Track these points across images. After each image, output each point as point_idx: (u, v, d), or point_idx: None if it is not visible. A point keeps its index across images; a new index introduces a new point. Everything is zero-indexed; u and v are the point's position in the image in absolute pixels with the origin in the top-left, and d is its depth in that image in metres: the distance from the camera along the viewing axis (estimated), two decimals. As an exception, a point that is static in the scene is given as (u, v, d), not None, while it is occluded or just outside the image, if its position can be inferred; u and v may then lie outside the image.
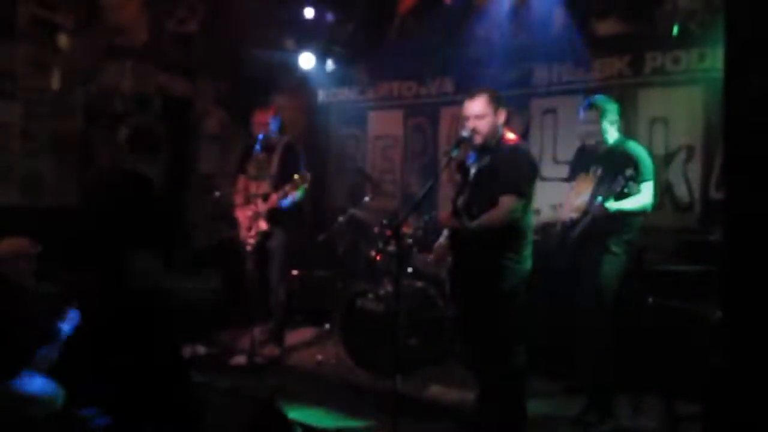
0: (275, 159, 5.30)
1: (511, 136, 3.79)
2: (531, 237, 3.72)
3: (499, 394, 3.72)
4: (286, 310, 5.50)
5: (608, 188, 3.88)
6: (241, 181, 5.45)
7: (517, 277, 3.65)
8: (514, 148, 3.74)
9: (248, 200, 5.34)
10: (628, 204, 3.89)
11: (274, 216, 5.20)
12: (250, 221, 5.24)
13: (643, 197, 3.95)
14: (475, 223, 3.59)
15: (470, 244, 3.65)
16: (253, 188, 5.33)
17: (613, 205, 3.84)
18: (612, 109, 4.13)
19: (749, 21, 2.17)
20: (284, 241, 5.30)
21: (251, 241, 5.21)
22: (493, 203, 3.57)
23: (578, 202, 4.10)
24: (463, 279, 3.80)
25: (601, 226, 3.94)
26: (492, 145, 3.70)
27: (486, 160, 3.70)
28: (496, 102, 3.71)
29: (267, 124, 5.32)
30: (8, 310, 3.65)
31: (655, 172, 4.13)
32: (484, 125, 3.68)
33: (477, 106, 3.69)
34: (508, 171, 3.61)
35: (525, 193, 3.60)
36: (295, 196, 5.10)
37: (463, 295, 3.85)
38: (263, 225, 5.20)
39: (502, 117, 3.73)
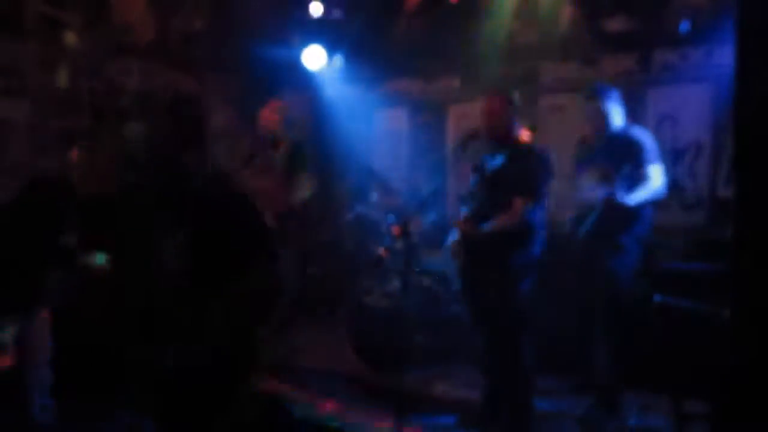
0: (282, 157, 5.31)
1: (525, 136, 3.79)
2: (542, 234, 3.71)
3: (506, 391, 3.71)
4: (293, 307, 5.53)
5: (612, 183, 3.83)
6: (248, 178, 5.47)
7: (526, 273, 3.65)
8: (529, 149, 3.74)
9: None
10: (641, 194, 3.83)
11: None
12: None
13: (653, 182, 3.86)
14: (487, 228, 3.59)
15: (481, 242, 3.65)
16: (261, 186, 5.36)
17: (626, 199, 3.78)
18: (614, 95, 4.07)
19: (760, 17, 2.15)
20: (294, 240, 5.35)
21: None
22: (506, 204, 3.56)
23: (584, 197, 4.07)
24: (473, 276, 3.80)
25: (611, 221, 3.90)
26: (507, 146, 3.70)
27: (500, 160, 3.69)
28: (510, 102, 3.71)
29: (274, 121, 5.33)
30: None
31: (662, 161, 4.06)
32: (496, 125, 3.68)
33: (490, 106, 3.69)
34: (522, 172, 3.62)
35: (538, 195, 3.61)
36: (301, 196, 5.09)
37: (473, 291, 3.85)
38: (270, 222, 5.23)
39: (515, 117, 3.73)
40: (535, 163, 3.66)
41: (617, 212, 3.83)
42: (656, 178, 3.88)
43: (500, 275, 3.61)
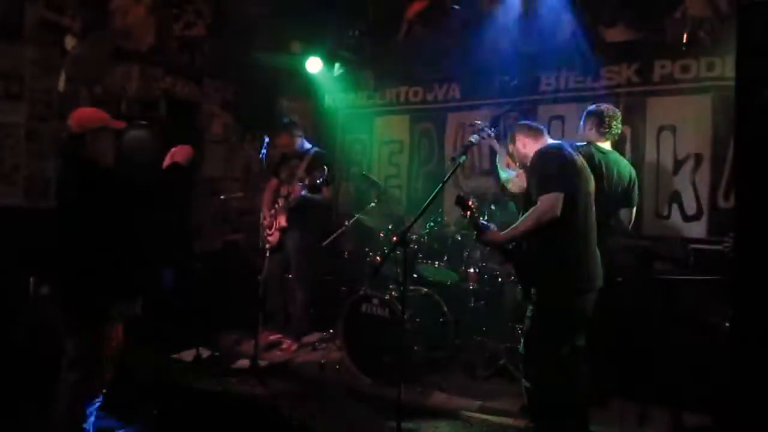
0: (303, 165, 5.48)
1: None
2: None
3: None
4: (306, 307, 5.60)
5: None
6: (273, 182, 5.74)
7: None
8: (535, 156, 3.66)
9: (275, 200, 5.62)
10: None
11: (292, 215, 5.41)
12: (272, 219, 5.48)
13: None
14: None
15: None
16: (283, 191, 5.51)
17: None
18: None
19: (761, 30, 2.15)
20: (301, 241, 5.44)
21: (272, 238, 5.34)
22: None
23: None
24: None
25: None
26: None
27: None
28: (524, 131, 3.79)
29: (291, 145, 5.54)
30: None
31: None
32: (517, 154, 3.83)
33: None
34: (532, 175, 3.61)
35: (552, 187, 3.41)
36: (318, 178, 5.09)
37: None
38: (282, 221, 5.43)
39: (526, 136, 3.77)
40: (538, 164, 3.70)
41: None
42: None
43: None
